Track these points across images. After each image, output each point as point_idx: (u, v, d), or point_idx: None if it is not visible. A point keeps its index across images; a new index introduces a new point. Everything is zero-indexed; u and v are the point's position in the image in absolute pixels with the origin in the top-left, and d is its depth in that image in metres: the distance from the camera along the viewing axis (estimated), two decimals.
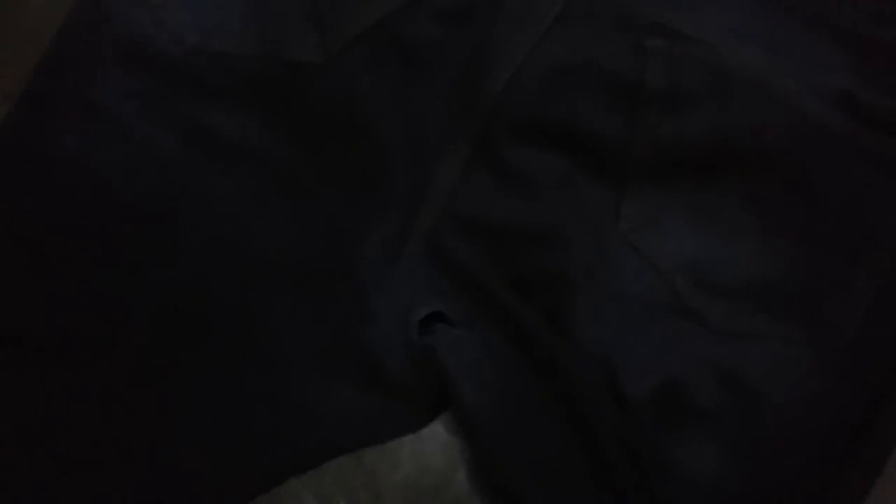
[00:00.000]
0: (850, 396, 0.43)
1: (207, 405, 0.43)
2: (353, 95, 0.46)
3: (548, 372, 0.43)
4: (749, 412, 0.42)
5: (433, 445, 0.46)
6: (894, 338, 0.43)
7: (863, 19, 0.46)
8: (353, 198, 0.46)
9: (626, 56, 0.46)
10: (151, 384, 0.43)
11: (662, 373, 0.43)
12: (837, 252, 0.44)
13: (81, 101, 0.46)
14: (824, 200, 0.45)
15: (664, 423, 0.42)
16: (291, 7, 0.47)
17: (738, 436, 0.42)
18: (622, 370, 0.43)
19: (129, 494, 0.42)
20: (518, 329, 0.44)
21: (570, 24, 0.47)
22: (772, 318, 0.43)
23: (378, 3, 0.47)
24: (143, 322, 0.44)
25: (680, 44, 0.46)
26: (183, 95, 0.46)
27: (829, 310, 0.43)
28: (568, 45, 0.46)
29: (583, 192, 0.45)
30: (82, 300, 0.44)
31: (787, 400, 0.42)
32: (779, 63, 0.46)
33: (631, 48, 0.46)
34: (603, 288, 0.44)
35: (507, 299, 0.44)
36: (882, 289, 0.43)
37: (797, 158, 0.45)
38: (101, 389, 0.43)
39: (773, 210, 0.45)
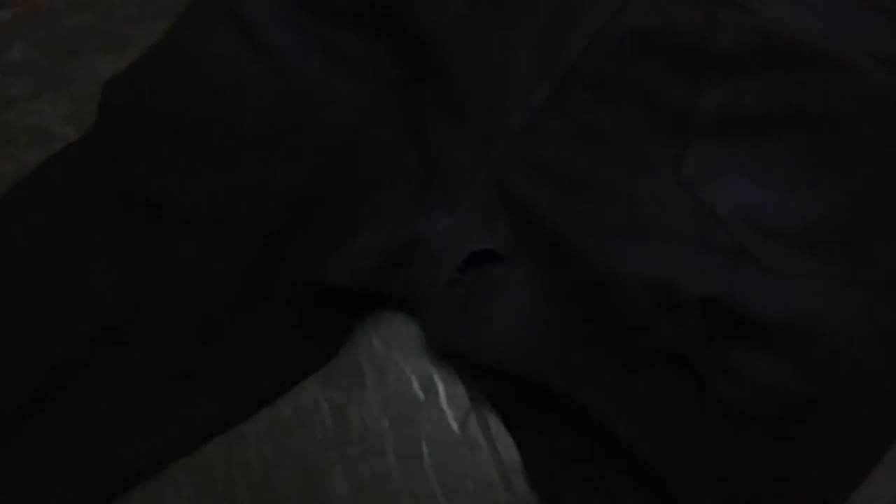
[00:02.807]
0: (886, 326, 0.46)
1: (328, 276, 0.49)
2: (447, 29, 0.52)
3: (599, 298, 0.47)
4: (805, 333, 0.45)
5: None
6: None
7: None
8: (442, 119, 0.52)
9: (698, 24, 0.51)
10: (280, 257, 0.50)
11: (718, 291, 0.46)
12: (880, 201, 0.48)
13: (229, 16, 0.55)
14: (872, 155, 0.49)
15: (723, 332, 0.46)
16: None
17: (797, 350, 0.45)
18: (676, 289, 0.46)
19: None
20: (567, 262, 0.48)
21: None
22: (822, 260, 0.47)
23: None
24: (274, 204, 0.50)
25: (747, 15, 0.51)
26: (312, 15, 0.54)
27: (874, 251, 0.47)
28: (646, 11, 0.52)
29: (645, 146, 0.50)
30: (222, 181, 0.51)
31: (839, 328, 0.46)
32: (839, 35, 0.51)
33: (704, 17, 0.51)
34: (661, 232, 0.48)
35: (561, 236, 0.48)
36: None
37: (848, 118, 0.49)
38: (231, 261, 0.49)
39: (823, 163, 0.49)
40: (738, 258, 0.48)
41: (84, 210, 0.50)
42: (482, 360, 0.47)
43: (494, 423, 0.48)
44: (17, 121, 0.57)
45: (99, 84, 0.54)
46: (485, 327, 0.48)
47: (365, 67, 0.53)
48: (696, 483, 0.43)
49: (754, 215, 0.49)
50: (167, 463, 0.47)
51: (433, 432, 0.48)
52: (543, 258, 0.49)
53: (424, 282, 0.49)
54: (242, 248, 0.49)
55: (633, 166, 0.51)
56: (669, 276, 0.47)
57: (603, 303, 0.48)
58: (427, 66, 0.53)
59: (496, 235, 0.50)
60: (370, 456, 0.47)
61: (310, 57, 0.53)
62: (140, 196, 0.51)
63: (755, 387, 0.45)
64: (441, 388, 0.49)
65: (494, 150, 0.51)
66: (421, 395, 0.49)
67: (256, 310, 0.49)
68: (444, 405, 0.49)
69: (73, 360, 0.46)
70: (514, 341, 0.47)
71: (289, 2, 0.54)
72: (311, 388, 0.49)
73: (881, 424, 0.45)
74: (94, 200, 0.50)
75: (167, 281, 0.49)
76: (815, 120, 0.49)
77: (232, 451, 0.47)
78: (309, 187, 0.51)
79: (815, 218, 0.48)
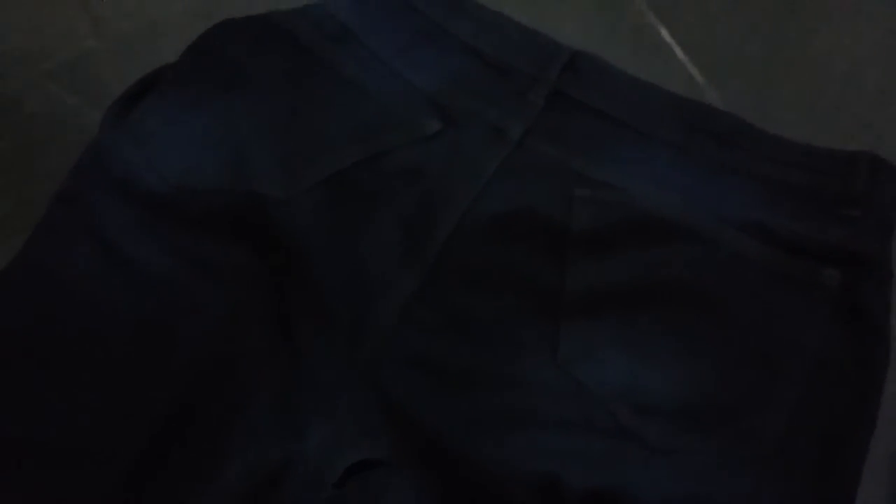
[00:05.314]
0: (778, 499, 0.46)
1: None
2: (309, 229, 0.52)
3: (484, 502, 0.46)
4: None
5: None
6: (818, 441, 0.47)
7: (770, 166, 0.52)
8: (310, 324, 0.50)
9: (556, 204, 0.52)
10: (145, 490, 0.47)
11: (604, 479, 0.46)
12: (756, 369, 0.48)
13: (88, 231, 0.51)
14: (741, 322, 0.49)
15: None
16: (262, 153, 0.53)
17: None
18: (562, 483, 0.46)
19: None
20: (449, 463, 0.47)
21: (507, 178, 0.53)
22: (702, 435, 0.47)
23: (340, 156, 0.54)
24: (140, 431, 0.47)
25: (603, 192, 0.52)
26: (172, 225, 0.52)
27: (753, 423, 0.47)
28: (505, 196, 0.52)
29: (520, 330, 0.50)
30: (83, 410, 0.47)
31: (722, 501, 0.46)
32: (695, 204, 0.52)
33: (561, 197, 0.52)
34: (544, 419, 0.48)
35: (442, 435, 0.47)
36: (802, 398, 0.47)
37: (714, 287, 0.50)
38: (96, 494, 0.46)
39: (695, 336, 0.49)
40: (621, 439, 0.47)
41: None
42: None
43: None
44: None
45: None
46: None
47: (228, 274, 0.51)
48: None
49: (633, 393, 0.48)
50: None
51: None
52: (425, 460, 0.48)
53: None
54: (103, 482, 0.46)
55: (509, 352, 0.50)
56: (555, 468, 0.47)
57: None
58: (290, 268, 0.51)
59: (374, 441, 0.48)
60: None
61: (171, 267, 0.51)
62: None
63: None
64: None
65: (365, 350, 0.50)
66: None
67: None
68: None
69: None
70: None
71: (147, 212, 0.52)
72: None
73: None
74: None
75: None
76: (680, 293, 0.50)
77: None
78: (172, 411, 0.48)
79: (691, 392, 0.48)
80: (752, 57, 0.60)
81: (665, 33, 0.62)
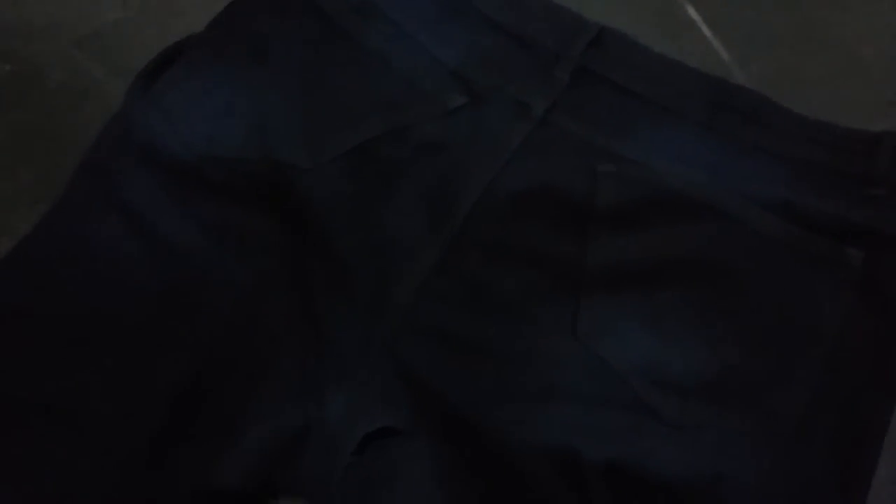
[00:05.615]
0: (795, 479, 0.46)
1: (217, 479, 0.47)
2: (331, 200, 0.52)
3: (503, 474, 0.46)
4: (712, 493, 0.45)
5: None
6: (836, 421, 0.47)
7: (795, 145, 0.52)
8: (331, 293, 0.50)
9: (579, 180, 0.52)
10: (167, 452, 0.47)
11: (622, 453, 0.46)
12: (777, 347, 0.48)
13: (112, 200, 0.52)
14: (763, 300, 0.49)
15: (631, 498, 0.46)
16: (286, 123, 0.53)
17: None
18: (581, 456, 0.46)
19: None
20: (469, 434, 0.47)
21: (530, 153, 0.53)
22: (721, 412, 0.47)
23: (365, 128, 0.54)
24: (161, 396, 0.48)
25: (628, 168, 0.52)
26: (196, 194, 0.52)
27: (773, 401, 0.47)
28: (528, 171, 0.52)
29: (540, 304, 0.50)
30: (105, 376, 0.48)
31: (747, 486, 0.46)
32: (719, 180, 0.51)
33: (584, 173, 0.52)
34: (562, 393, 0.48)
35: (460, 407, 0.47)
36: (822, 377, 0.47)
37: (736, 264, 0.50)
38: (115, 462, 0.46)
39: (716, 313, 0.49)
40: (639, 414, 0.47)
41: None
42: None
43: None
44: None
45: None
46: None
47: (251, 243, 0.52)
48: None
49: (651, 368, 0.48)
50: None
51: None
52: (443, 430, 0.48)
53: (320, 473, 0.47)
54: (125, 448, 0.47)
55: (529, 326, 0.50)
56: (573, 441, 0.47)
57: (507, 479, 0.46)
58: (312, 239, 0.52)
59: (392, 410, 0.48)
60: None
61: (194, 235, 0.51)
62: (11, 397, 0.48)
63: None
64: None
65: (385, 320, 0.50)
66: None
67: None
68: None
69: None
70: None
71: (170, 181, 0.52)
72: None
73: None
74: None
75: (48, 490, 0.46)
76: (702, 270, 0.50)
77: None
78: (194, 379, 0.48)
79: (711, 368, 0.48)
80: (779, 35, 0.60)
81: (691, 10, 0.61)
